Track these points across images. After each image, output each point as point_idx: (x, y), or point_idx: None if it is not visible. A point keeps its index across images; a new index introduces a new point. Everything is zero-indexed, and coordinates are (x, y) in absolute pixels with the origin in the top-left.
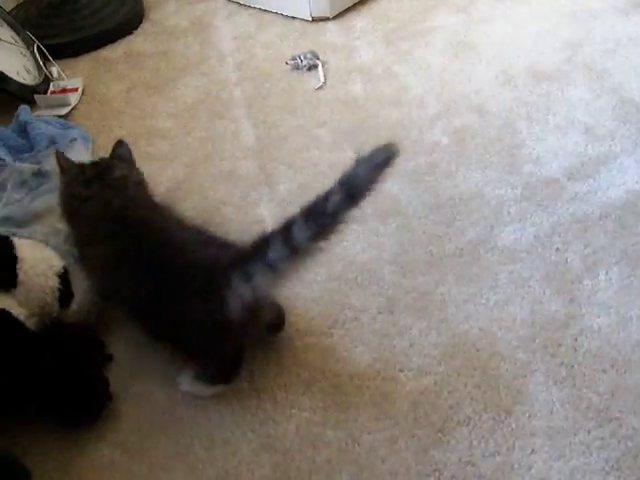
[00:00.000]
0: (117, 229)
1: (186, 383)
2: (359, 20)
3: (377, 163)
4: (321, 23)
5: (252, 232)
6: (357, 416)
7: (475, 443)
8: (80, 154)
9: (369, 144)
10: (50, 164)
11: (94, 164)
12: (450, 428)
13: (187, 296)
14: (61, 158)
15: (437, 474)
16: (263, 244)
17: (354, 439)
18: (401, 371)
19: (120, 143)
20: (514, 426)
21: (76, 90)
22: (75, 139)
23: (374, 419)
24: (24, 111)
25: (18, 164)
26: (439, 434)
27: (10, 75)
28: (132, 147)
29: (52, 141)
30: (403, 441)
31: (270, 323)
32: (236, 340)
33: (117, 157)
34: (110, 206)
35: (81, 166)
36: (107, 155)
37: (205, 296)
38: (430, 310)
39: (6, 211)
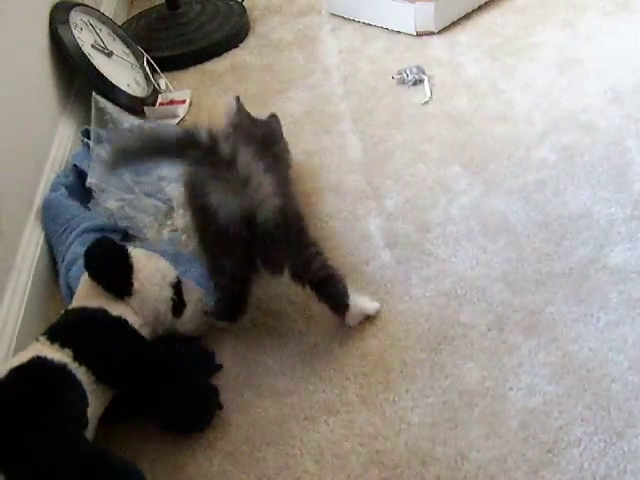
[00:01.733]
0: None
1: None
2: (464, 35)
3: None
4: (426, 38)
5: (360, 246)
6: (466, 433)
7: (586, 465)
8: None
9: (476, 160)
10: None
11: None
12: (560, 449)
13: None
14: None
15: None
16: None
17: (463, 456)
18: (510, 389)
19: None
20: (626, 449)
21: (184, 102)
22: None
23: (483, 437)
24: None
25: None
26: (549, 454)
27: (121, 87)
28: None
29: None
30: (512, 460)
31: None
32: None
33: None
34: None
35: None
36: None
37: None
38: (539, 329)
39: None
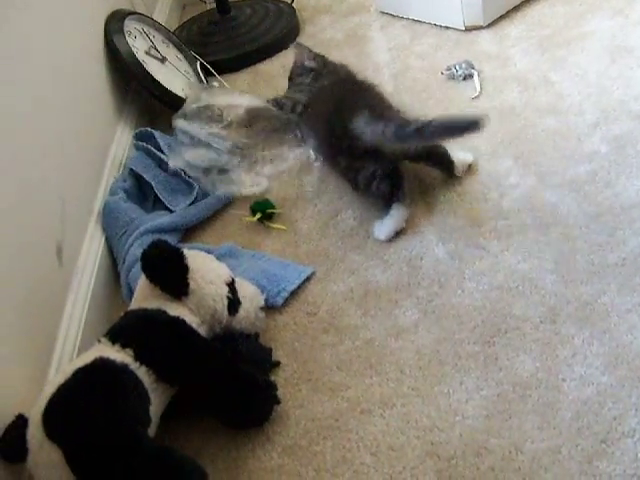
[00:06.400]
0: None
1: (380, 232)
2: (513, 28)
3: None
4: (475, 32)
5: (413, 241)
6: (520, 425)
7: None
8: None
9: (527, 153)
10: None
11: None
12: (614, 439)
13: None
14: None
15: None
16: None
17: (517, 447)
18: (564, 380)
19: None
20: None
21: None
22: None
23: (537, 428)
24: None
25: None
26: (603, 445)
27: (176, 92)
28: None
29: None
30: (566, 450)
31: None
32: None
33: None
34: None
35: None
36: None
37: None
38: (592, 320)
39: None
